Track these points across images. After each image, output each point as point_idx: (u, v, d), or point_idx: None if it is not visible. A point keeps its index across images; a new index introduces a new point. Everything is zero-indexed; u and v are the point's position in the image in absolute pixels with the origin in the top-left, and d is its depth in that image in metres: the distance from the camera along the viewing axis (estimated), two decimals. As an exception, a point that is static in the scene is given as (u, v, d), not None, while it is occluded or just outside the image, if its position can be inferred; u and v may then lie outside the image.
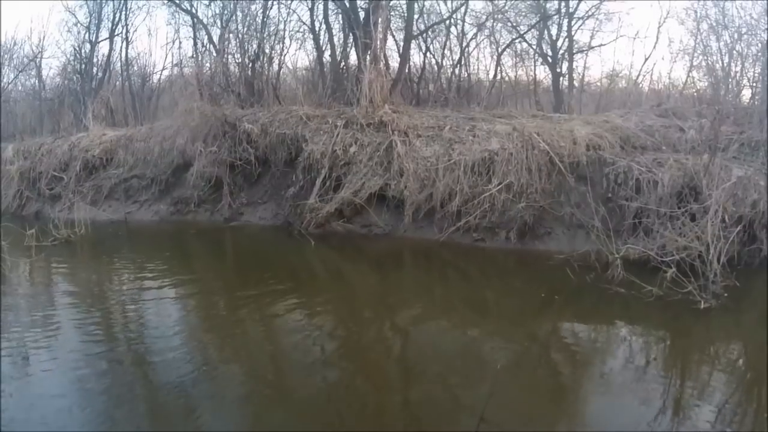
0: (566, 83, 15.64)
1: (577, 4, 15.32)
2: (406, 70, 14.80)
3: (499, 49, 16.52)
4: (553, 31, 15.78)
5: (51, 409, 3.98)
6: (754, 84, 11.72)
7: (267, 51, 15.30)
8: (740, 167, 8.44)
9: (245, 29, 15.19)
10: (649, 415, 3.97)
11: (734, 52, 11.96)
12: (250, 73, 14.81)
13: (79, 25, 18.79)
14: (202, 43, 16.24)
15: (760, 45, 11.48)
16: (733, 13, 13.15)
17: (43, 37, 21.30)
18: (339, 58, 14.67)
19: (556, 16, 15.57)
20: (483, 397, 4.19)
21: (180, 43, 22.28)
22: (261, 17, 15.37)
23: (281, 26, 16.00)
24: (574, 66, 15.87)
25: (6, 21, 22.37)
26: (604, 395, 4.47)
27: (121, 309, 6.48)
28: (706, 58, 13.05)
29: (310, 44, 16.60)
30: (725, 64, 12.19)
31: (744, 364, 5.21)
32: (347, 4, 13.66)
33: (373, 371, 4.99)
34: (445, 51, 16.17)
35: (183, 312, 6.55)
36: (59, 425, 3.79)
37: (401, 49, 14.82)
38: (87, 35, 18.72)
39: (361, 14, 13.30)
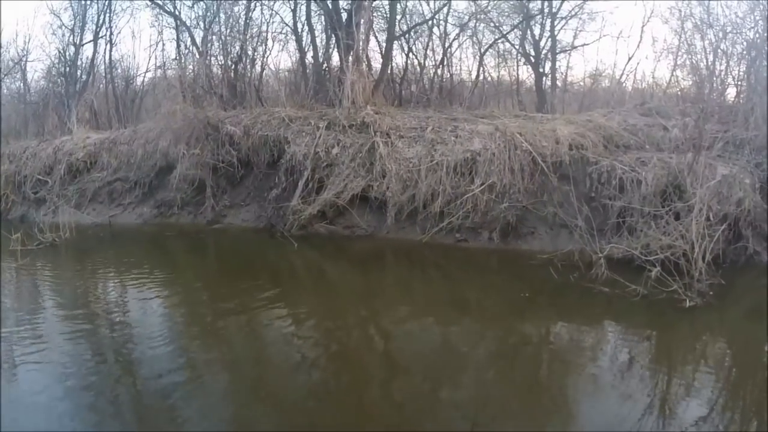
0: (549, 83, 15.65)
1: (560, 4, 15.32)
2: (389, 71, 14.75)
3: (482, 50, 16.49)
4: (536, 30, 15.78)
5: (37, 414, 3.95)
6: (739, 82, 11.70)
7: (249, 53, 15.35)
8: (725, 165, 8.40)
9: (228, 31, 15.21)
10: (636, 413, 3.95)
11: (719, 50, 11.90)
12: (232, 74, 14.80)
13: (63, 27, 18.80)
14: (185, 45, 16.33)
15: (745, 43, 11.46)
16: (717, 12, 13.07)
17: (29, 40, 21.28)
18: (321, 60, 14.63)
19: (539, 16, 15.55)
20: (470, 398, 4.21)
21: (163, 45, 22.15)
22: (244, 19, 15.38)
23: (264, 28, 16.03)
24: (557, 66, 15.91)
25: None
26: (591, 394, 4.44)
27: (106, 314, 6.38)
28: (690, 56, 13.00)
29: (292, 46, 16.48)
30: (710, 63, 12.13)
31: (730, 361, 5.18)
32: (330, 5, 13.61)
33: (359, 372, 4.97)
34: (428, 51, 16.17)
35: (166, 315, 6.47)
36: (47, 427, 3.77)
37: (383, 49, 14.78)
38: (71, 38, 18.71)
39: (344, 15, 13.23)
